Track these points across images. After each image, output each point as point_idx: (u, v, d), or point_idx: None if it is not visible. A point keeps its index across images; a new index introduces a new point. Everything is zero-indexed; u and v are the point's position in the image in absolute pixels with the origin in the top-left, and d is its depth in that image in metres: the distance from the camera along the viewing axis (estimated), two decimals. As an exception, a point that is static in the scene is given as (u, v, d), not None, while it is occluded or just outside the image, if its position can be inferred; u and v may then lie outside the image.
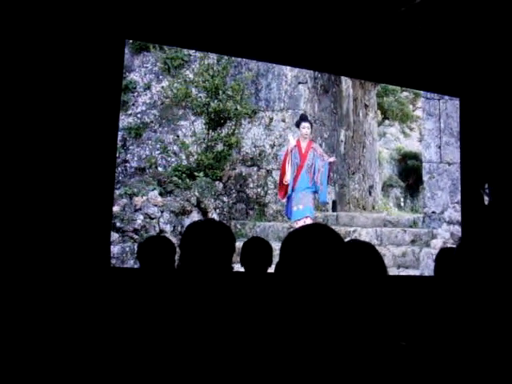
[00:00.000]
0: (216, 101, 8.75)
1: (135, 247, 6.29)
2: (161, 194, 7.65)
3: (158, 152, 8.69)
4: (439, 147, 8.32)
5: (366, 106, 12.11)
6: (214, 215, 8.09)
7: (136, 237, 6.80)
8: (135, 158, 8.67)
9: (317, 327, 1.43)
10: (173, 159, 8.66)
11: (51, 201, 3.76)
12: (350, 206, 10.55)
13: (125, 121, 8.58)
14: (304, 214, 7.61)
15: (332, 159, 8.08)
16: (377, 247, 2.03)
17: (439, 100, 8.03)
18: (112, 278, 3.95)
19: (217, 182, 8.57)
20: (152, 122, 8.90)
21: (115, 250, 6.39)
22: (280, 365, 1.41)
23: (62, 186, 3.81)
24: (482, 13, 4.38)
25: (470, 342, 2.12)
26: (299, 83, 9.06)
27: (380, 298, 1.88)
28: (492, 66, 5.26)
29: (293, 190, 7.74)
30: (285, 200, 7.95)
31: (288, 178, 7.73)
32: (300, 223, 7.35)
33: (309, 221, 7.32)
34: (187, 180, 8.12)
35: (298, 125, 8.08)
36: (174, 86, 8.87)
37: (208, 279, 1.92)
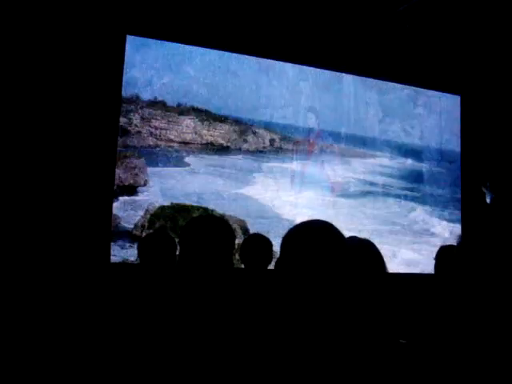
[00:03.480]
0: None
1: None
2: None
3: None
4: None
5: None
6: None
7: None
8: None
9: (316, 324, 1.43)
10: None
11: (51, 197, 3.76)
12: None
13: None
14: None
15: None
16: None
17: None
18: (112, 274, 3.95)
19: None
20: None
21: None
22: (278, 361, 1.41)
23: (63, 181, 3.80)
24: (482, 9, 4.37)
25: (470, 340, 2.11)
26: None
27: (379, 295, 1.88)
28: (493, 62, 5.25)
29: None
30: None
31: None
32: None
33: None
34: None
35: None
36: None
37: (208, 275, 1.92)
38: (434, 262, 3.16)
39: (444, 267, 2.85)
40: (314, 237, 1.49)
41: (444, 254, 2.99)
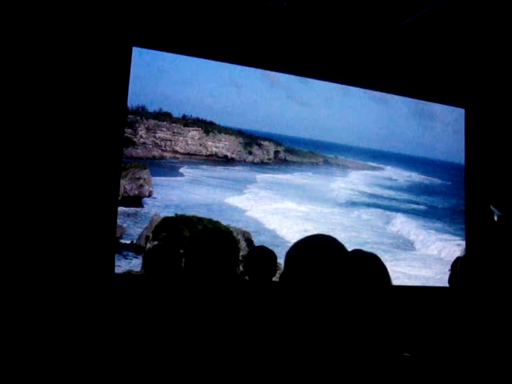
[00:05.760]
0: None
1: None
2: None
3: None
4: None
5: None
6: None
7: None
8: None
9: (320, 337, 1.43)
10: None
11: (56, 207, 3.77)
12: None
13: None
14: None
15: None
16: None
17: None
18: (116, 285, 3.95)
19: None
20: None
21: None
22: (283, 373, 1.41)
23: (68, 192, 3.82)
24: (487, 22, 4.38)
25: (475, 355, 2.11)
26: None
27: (383, 309, 1.88)
28: (498, 75, 5.26)
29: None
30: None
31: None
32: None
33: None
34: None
35: None
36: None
37: (212, 287, 1.93)
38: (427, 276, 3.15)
39: (458, 278, 2.84)
40: (317, 251, 1.50)
41: (459, 265, 2.99)
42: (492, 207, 2.58)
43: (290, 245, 1.56)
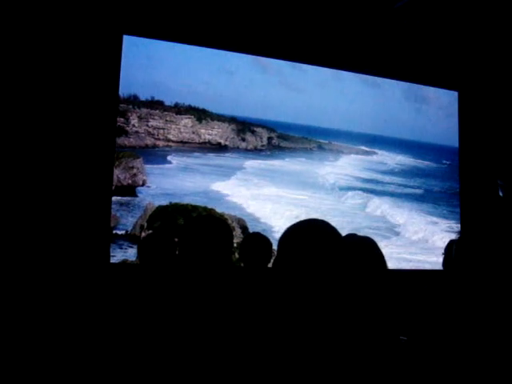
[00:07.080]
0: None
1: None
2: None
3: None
4: None
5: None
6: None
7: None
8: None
9: (315, 321, 1.42)
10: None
11: (49, 198, 3.75)
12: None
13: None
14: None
15: None
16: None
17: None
18: (112, 274, 3.94)
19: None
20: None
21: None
22: (278, 359, 1.41)
23: (61, 182, 3.80)
24: (479, 4, 4.36)
25: (470, 339, 2.11)
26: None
27: (378, 292, 1.88)
28: (491, 58, 5.24)
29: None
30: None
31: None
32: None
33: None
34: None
35: None
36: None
37: (207, 274, 1.92)
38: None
39: (452, 262, 2.85)
40: (309, 235, 1.48)
41: (452, 249, 2.99)
42: (499, 181, 2.57)
43: (282, 231, 1.55)
